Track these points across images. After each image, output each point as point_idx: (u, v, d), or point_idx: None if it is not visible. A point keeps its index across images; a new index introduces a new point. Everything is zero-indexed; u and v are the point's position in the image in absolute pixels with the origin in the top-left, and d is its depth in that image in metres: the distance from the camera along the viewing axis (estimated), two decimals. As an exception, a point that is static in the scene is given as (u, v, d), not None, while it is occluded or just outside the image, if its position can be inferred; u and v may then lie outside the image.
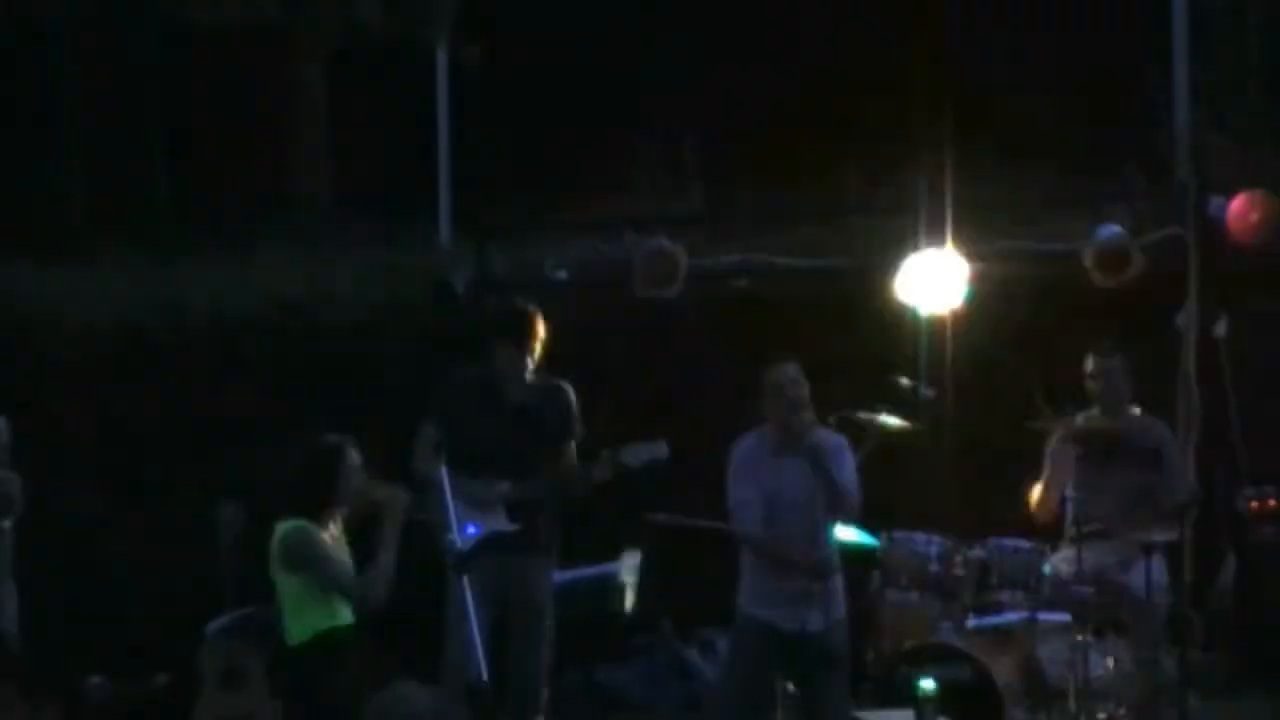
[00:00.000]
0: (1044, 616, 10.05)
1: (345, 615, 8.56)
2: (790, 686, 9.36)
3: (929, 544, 10.33)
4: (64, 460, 12.55)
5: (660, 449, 9.73)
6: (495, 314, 10.14)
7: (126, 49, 18.06)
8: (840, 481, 9.10)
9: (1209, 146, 14.26)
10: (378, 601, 8.51)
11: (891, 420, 10.44)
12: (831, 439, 9.25)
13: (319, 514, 8.54)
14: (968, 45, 17.77)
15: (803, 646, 9.08)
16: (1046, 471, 10.42)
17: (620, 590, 11.70)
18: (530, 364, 9.68)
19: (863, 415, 10.28)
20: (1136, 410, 10.50)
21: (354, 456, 8.58)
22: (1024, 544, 10.27)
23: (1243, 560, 11.40)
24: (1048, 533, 10.37)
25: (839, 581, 9.25)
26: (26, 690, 11.03)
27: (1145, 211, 11.53)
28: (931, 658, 9.87)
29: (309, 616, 8.54)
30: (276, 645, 8.75)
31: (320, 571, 8.48)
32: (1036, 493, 10.43)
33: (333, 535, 8.57)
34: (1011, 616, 10.16)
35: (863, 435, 10.10)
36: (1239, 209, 11.10)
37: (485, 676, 8.53)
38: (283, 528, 8.54)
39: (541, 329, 9.72)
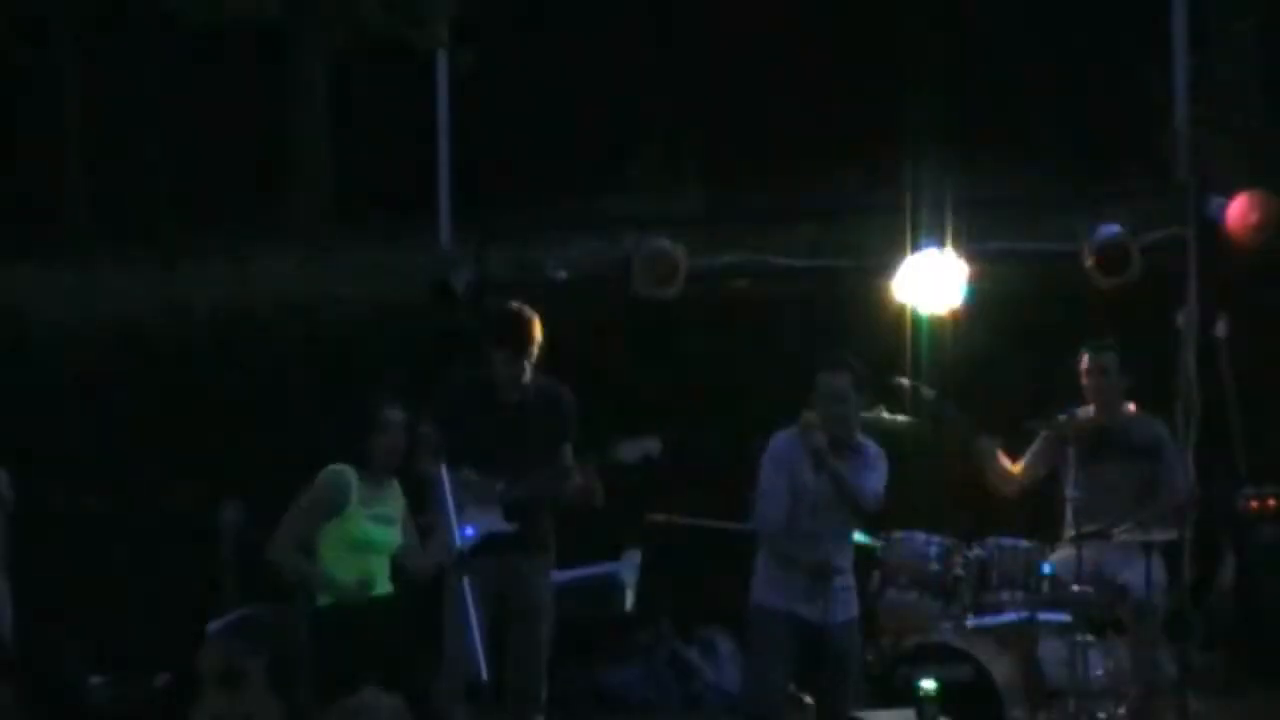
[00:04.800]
0: (1044, 616, 10.04)
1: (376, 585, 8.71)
2: (789, 686, 9.33)
3: (929, 544, 10.32)
4: (64, 460, 12.54)
5: (653, 444, 9.70)
6: (490, 317, 10.11)
7: (126, 49, 18.08)
8: (853, 482, 9.09)
9: (1209, 146, 14.27)
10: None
11: (891, 420, 10.43)
12: (870, 448, 9.26)
13: (359, 462, 8.91)
14: (968, 46, 17.79)
15: (822, 638, 9.05)
16: (1026, 457, 10.48)
17: (620, 590, 11.70)
18: (527, 366, 9.65)
19: (863, 415, 10.26)
20: (1132, 408, 10.51)
21: (394, 413, 8.97)
22: (1024, 544, 10.27)
23: (1243, 560, 11.40)
24: (1046, 531, 10.38)
25: (851, 580, 9.25)
26: (24, 690, 11.02)
27: (1145, 211, 11.50)
28: (931, 658, 9.86)
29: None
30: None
31: (297, 503, 8.85)
32: (1009, 466, 10.49)
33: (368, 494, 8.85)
34: (1011, 616, 10.14)
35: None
36: (1239, 209, 11.07)
37: (485, 676, 8.52)
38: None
39: (538, 331, 9.68)
